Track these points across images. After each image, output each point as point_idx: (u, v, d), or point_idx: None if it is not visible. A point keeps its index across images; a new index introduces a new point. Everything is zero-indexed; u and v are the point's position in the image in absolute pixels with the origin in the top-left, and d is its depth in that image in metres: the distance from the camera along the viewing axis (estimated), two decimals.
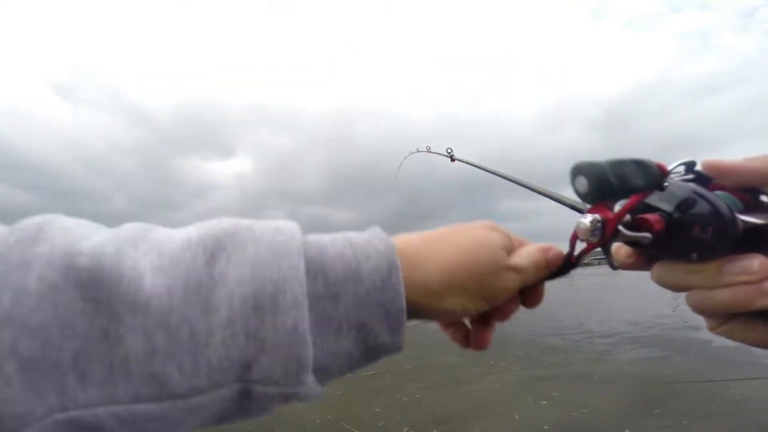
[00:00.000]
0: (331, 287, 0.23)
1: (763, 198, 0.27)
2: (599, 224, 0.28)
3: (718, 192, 0.27)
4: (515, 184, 0.67)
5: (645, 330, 6.42)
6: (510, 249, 0.30)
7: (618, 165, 0.27)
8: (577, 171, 0.28)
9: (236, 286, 0.21)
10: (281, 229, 0.24)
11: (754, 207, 0.26)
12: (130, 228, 0.22)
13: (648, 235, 0.27)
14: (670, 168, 0.29)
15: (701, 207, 0.26)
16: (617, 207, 0.29)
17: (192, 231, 0.23)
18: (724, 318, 0.26)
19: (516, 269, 0.29)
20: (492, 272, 0.28)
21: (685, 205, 0.27)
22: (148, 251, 0.21)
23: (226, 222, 0.23)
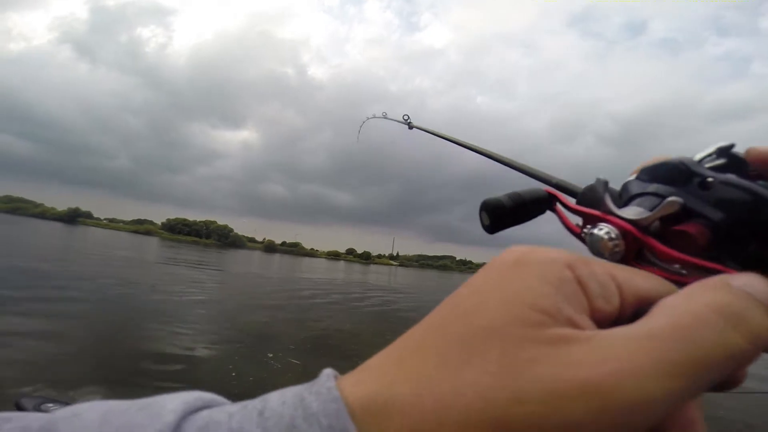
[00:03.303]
0: None
1: None
2: (618, 234, 0.21)
3: (761, 182, 0.21)
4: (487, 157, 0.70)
5: None
6: (593, 305, 0.16)
7: (513, 194, 0.26)
8: (481, 207, 0.26)
9: None
10: (152, 404, 0.17)
11: None
12: None
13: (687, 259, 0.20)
14: (702, 155, 0.23)
15: (763, 215, 0.19)
16: (634, 209, 0.22)
17: None
18: None
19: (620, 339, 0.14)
20: (518, 366, 0.14)
21: (739, 212, 0.20)
22: None
23: (79, 406, 0.18)
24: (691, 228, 0.21)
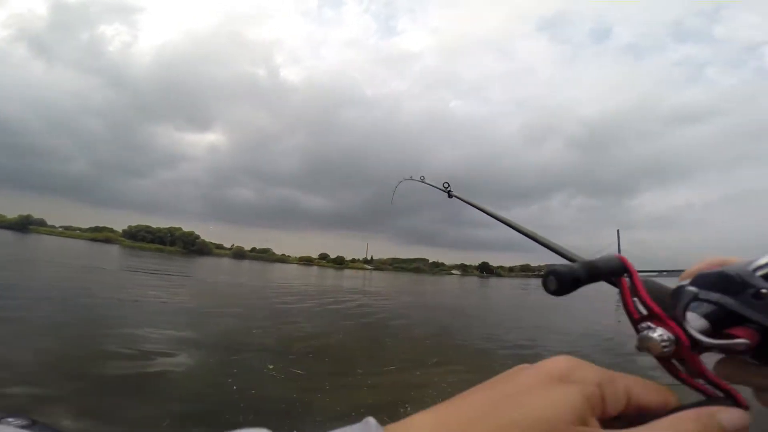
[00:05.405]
0: None
1: None
2: (671, 339, 0.23)
3: None
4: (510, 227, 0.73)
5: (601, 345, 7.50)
6: (599, 410, 0.22)
7: (588, 264, 0.26)
8: (549, 273, 0.25)
9: None
10: None
11: None
12: None
13: (743, 341, 0.23)
14: (757, 263, 0.25)
15: None
16: (690, 315, 0.24)
17: None
18: None
19: None
20: None
21: None
22: None
23: None
24: (740, 332, 0.24)
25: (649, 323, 0.24)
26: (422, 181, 1.17)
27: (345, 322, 10.28)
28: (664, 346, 0.23)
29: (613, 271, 0.27)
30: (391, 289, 26.81)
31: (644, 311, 0.25)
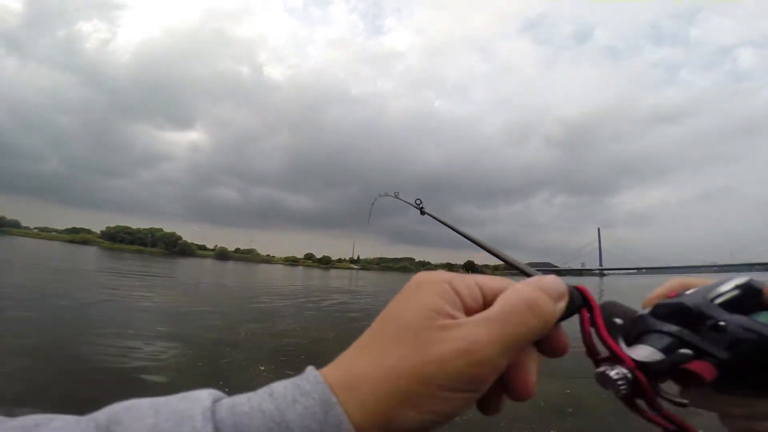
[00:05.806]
0: None
1: None
2: (628, 378, 0.23)
3: None
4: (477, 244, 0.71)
5: None
6: (465, 303, 0.26)
7: None
8: None
9: None
10: (187, 396, 0.23)
11: None
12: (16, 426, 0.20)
13: (685, 400, 0.23)
14: (720, 290, 0.25)
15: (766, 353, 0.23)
16: (648, 350, 0.24)
17: (89, 416, 0.22)
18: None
19: (473, 324, 0.24)
20: (423, 344, 0.24)
21: (746, 351, 0.23)
22: None
23: (127, 402, 0.23)
24: (696, 366, 0.23)
25: (608, 365, 0.25)
26: (396, 197, 1.24)
27: (336, 321, 10.28)
28: (621, 386, 0.23)
29: (575, 301, 0.27)
30: (379, 289, 26.81)
31: (603, 347, 0.25)
